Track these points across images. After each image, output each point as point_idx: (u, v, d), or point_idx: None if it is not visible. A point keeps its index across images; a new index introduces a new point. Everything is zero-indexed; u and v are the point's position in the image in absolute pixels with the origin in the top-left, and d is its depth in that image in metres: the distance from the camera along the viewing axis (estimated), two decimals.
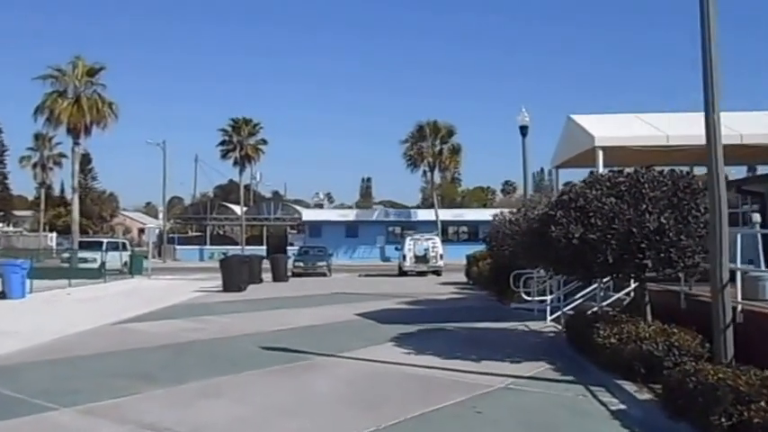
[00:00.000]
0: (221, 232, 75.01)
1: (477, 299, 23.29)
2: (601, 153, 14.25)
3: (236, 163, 60.25)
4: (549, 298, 16.70)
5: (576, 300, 15.63)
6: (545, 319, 16.41)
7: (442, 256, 38.37)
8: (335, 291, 26.62)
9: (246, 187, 72.33)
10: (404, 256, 38.20)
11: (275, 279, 33.02)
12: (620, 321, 11.51)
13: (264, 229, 67.83)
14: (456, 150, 58.13)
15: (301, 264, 38.73)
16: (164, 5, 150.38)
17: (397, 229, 60.17)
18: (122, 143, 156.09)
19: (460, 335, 14.81)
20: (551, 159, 18.62)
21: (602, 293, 14.35)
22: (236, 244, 61.85)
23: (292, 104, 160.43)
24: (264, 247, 59.28)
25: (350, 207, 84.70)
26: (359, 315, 18.20)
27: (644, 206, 11.04)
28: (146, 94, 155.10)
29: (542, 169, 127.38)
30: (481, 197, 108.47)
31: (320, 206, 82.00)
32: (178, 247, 63.85)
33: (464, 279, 31.85)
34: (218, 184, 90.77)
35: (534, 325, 15.93)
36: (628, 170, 11.99)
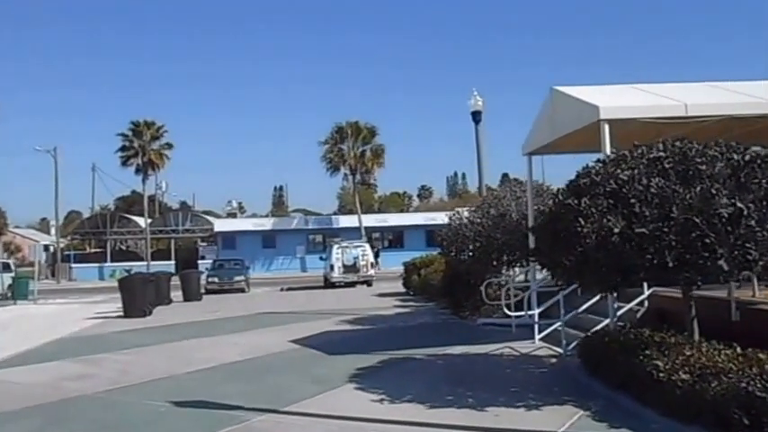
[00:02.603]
0: (124, 247, 69.46)
1: (429, 313, 19.99)
2: (607, 128, 11.21)
3: (138, 170, 55.05)
4: (536, 312, 13.54)
5: (575, 313, 12.50)
6: (532, 338, 13.30)
7: (373, 265, 35.33)
8: (259, 310, 22.79)
9: (151, 198, 67.20)
10: (331, 266, 34.75)
11: (187, 298, 28.83)
12: (669, 344, 8.63)
13: (172, 242, 62.93)
14: (379, 152, 54.84)
15: (216, 279, 34.67)
16: (53, 9, 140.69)
17: (318, 238, 56.40)
18: (12, 155, 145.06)
19: (438, 367, 11.45)
20: (523, 145, 15.45)
21: (615, 305, 11.26)
22: (142, 259, 56.74)
23: (197, 111, 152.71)
24: (173, 262, 54.54)
25: (265, 216, 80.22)
26: (297, 343, 14.60)
27: (699, 187, 8.05)
28: (38, 104, 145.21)
29: (456, 173, 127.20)
30: (398, 202, 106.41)
31: (233, 216, 77.43)
32: (74, 265, 57.82)
33: (401, 289, 28.63)
34: (119, 196, 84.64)
35: (521, 347, 12.76)
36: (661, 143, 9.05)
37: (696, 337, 8.78)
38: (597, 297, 11.91)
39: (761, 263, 7.94)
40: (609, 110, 11.36)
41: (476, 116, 22.03)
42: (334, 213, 74.70)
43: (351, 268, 34.74)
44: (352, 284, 34.16)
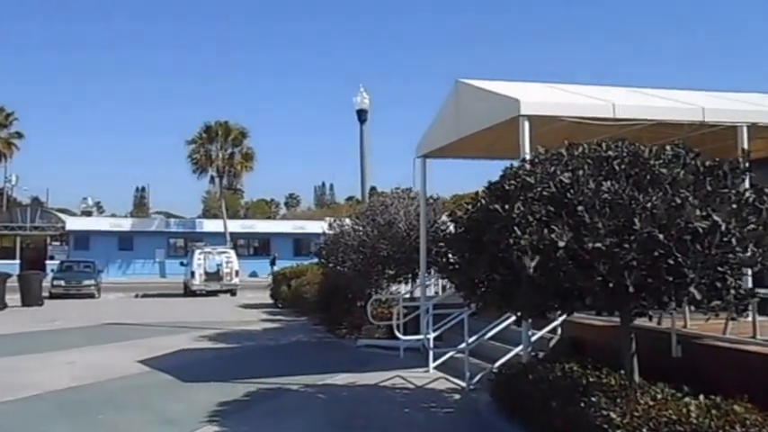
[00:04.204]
0: None
1: (302, 330, 17.90)
2: (527, 125, 9.64)
3: None
4: (431, 336, 11.74)
5: (479, 338, 10.83)
6: (424, 365, 11.53)
7: (237, 273, 32.98)
8: (108, 320, 19.97)
9: None
10: (192, 273, 32.21)
11: (25, 303, 25.40)
12: (611, 387, 7.14)
13: (18, 239, 57.47)
14: (249, 156, 52.06)
15: (62, 282, 31.11)
16: None
17: (180, 242, 53.01)
18: None
19: (319, 403, 9.39)
20: (417, 146, 13.71)
21: (529, 332, 9.65)
22: None
23: (57, 103, 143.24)
24: (17, 262, 49.60)
25: (124, 217, 75.35)
26: (147, 364, 12.21)
27: (656, 195, 6.54)
28: None
29: (324, 183, 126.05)
30: (265, 210, 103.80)
31: (88, 214, 72.16)
32: None
33: (268, 300, 26.43)
34: None
35: (414, 377, 10.93)
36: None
37: (637, 377, 7.29)
38: (508, 322, 10.26)
39: (733, 290, 6.51)
40: (531, 105, 9.80)
41: (361, 114, 20.27)
42: (199, 217, 71.01)
43: (213, 276, 32.36)
44: (214, 293, 31.94)
